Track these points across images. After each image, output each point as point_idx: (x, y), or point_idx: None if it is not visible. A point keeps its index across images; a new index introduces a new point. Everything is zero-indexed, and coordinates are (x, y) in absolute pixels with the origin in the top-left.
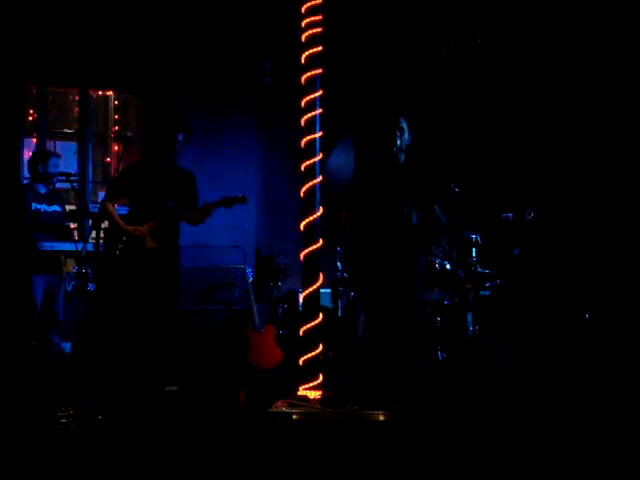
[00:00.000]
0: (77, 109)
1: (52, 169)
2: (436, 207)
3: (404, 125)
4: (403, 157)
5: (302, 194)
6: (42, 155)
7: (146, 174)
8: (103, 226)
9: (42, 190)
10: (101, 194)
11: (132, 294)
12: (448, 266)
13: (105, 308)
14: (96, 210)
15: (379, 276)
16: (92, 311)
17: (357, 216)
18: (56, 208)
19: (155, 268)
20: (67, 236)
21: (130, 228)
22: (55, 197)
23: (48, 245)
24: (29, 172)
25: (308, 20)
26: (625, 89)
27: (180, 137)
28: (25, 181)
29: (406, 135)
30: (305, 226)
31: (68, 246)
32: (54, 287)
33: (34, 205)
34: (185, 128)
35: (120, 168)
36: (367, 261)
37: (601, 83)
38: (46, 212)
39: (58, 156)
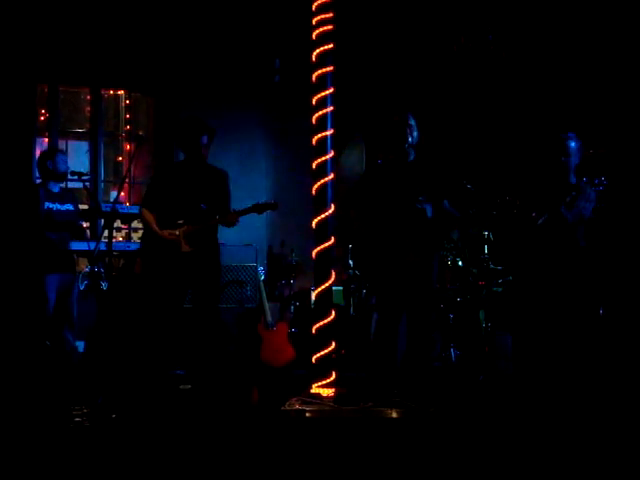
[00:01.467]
0: (88, 108)
1: (61, 166)
2: (445, 202)
3: (413, 123)
4: (413, 155)
5: (314, 192)
6: (48, 153)
7: (179, 177)
8: (123, 227)
9: (55, 189)
10: (113, 193)
11: (165, 296)
12: (460, 263)
13: (122, 307)
14: (108, 209)
15: (397, 273)
16: (105, 310)
17: (367, 214)
18: (69, 207)
19: (191, 271)
20: (80, 235)
21: (165, 233)
22: (68, 196)
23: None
24: (39, 172)
25: (319, 18)
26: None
27: (204, 140)
28: (38, 181)
29: (415, 133)
30: (317, 224)
31: (80, 245)
32: (68, 286)
33: (47, 204)
34: (209, 129)
35: (133, 167)
36: (383, 259)
37: (614, 79)
38: (59, 211)
39: (63, 152)
